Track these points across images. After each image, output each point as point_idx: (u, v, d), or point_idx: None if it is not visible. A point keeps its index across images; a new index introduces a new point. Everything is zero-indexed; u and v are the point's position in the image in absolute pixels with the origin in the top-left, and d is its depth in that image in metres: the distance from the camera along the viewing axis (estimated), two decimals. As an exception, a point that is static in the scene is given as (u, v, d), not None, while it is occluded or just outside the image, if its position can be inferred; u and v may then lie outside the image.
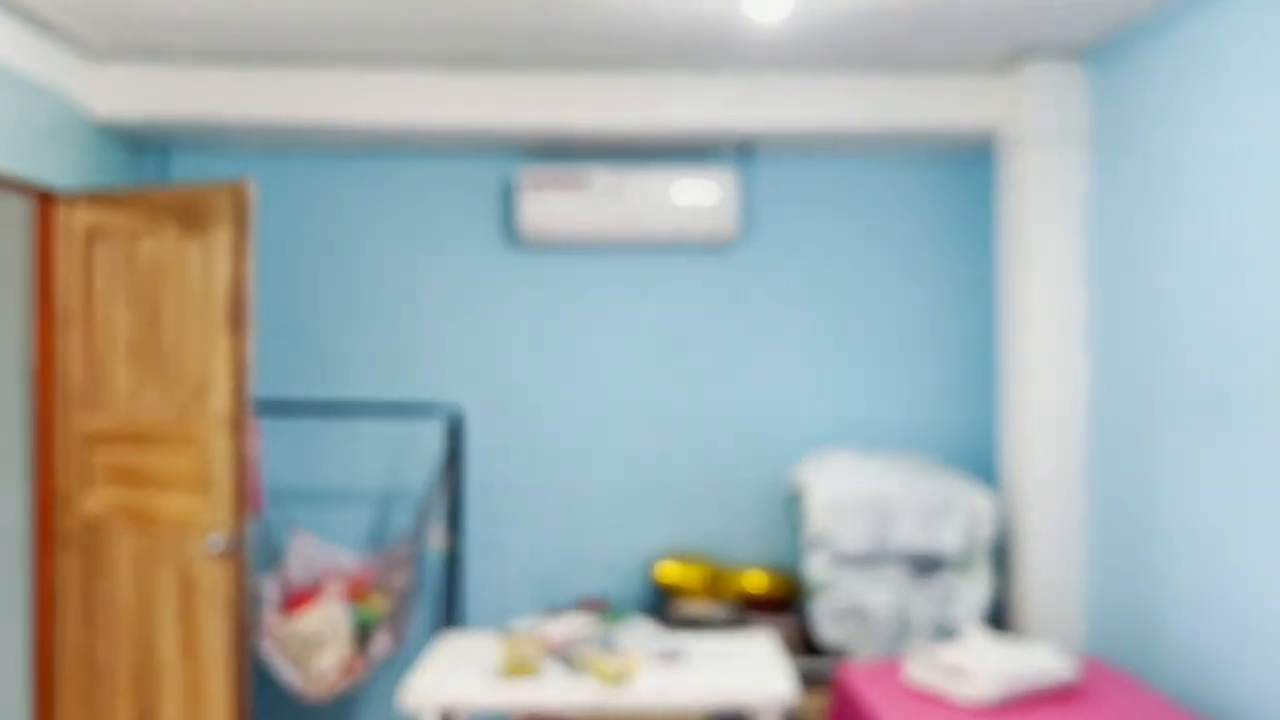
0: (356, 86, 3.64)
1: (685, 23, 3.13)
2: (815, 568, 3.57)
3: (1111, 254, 3.36)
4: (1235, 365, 2.70)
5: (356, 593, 3.67)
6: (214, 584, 3.17)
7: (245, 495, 3.13)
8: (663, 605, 3.85)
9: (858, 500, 3.55)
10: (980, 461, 3.99)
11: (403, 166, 4.07)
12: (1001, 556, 3.69)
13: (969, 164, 4.08)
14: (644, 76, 3.68)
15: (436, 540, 3.69)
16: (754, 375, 4.11)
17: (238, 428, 3.13)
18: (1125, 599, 3.26)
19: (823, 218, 4.11)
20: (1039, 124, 3.51)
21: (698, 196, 3.91)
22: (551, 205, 3.88)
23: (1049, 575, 3.51)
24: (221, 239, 3.12)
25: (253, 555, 3.55)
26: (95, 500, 3.37)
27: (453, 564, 3.78)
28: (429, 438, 4.02)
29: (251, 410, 3.20)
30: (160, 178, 4.00)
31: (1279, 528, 2.53)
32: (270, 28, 3.23)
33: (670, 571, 3.77)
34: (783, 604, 3.79)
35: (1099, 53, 3.37)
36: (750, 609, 3.78)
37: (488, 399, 4.06)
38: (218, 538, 3.12)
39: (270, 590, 3.62)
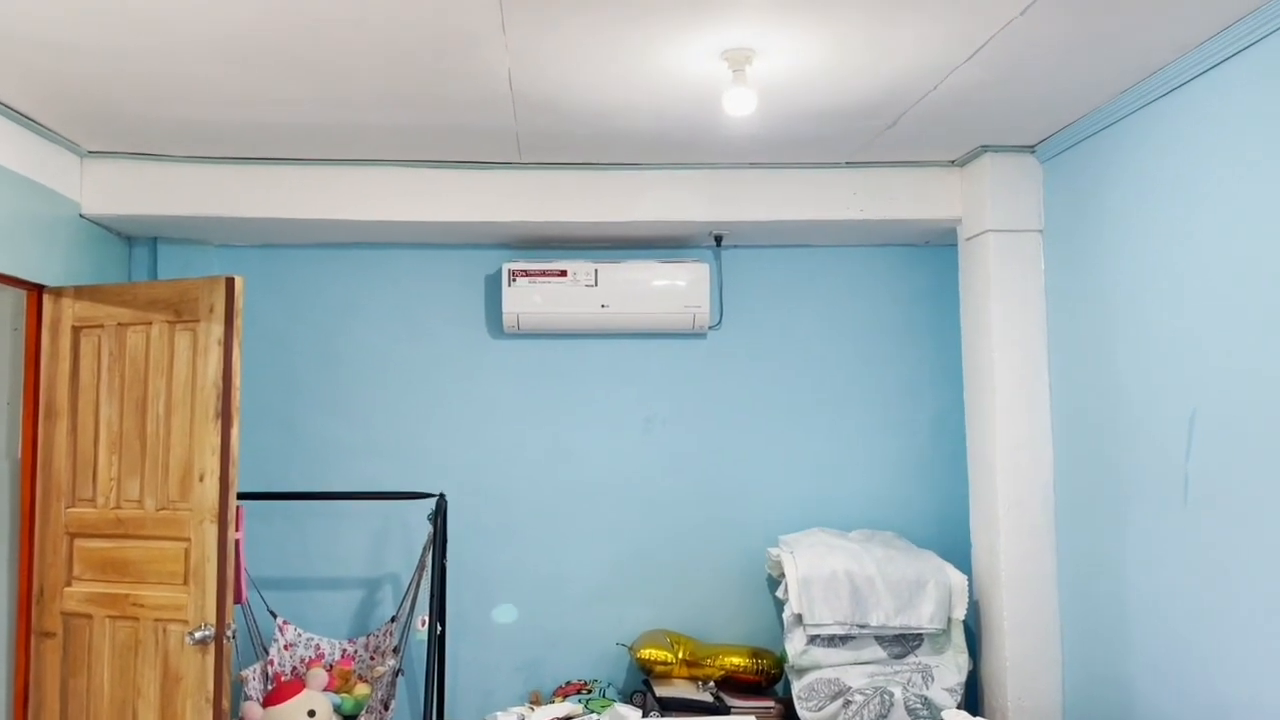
0: (343, 185, 3.76)
1: (663, 124, 3.28)
2: (795, 647, 3.62)
3: (1071, 338, 3.50)
4: (1195, 446, 2.82)
5: (340, 681, 3.67)
6: (196, 676, 3.18)
7: (229, 586, 3.16)
8: (644, 685, 3.87)
9: (835, 579, 3.62)
10: (952, 540, 4.08)
11: (389, 258, 4.19)
12: (975, 636, 3.75)
13: (936, 251, 4.24)
14: (622, 173, 3.83)
15: (421, 625, 3.70)
16: (731, 456, 4.20)
17: (222, 519, 3.17)
18: (1099, 677, 3.33)
19: (795, 304, 4.25)
20: (996, 215, 3.68)
21: (674, 285, 4.04)
22: (533, 295, 4.00)
23: (1022, 654, 3.57)
24: (210, 332, 3.20)
25: (237, 646, 3.55)
26: (77, 592, 3.38)
27: (438, 648, 3.79)
28: (413, 523, 4.06)
29: (236, 501, 3.24)
30: (150, 271, 4.09)
31: (1245, 605, 2.62)
32: (256, 133, 3.36)
33: (650, 652, 3.80)
34: (764, 684, 3.82)
35: (1052, 147, 3.55)
36: (731, 689, 3.80)
37: (471, 483, 4.12)
38: (200, 629, 3.14)
39: (253, 681, 3.61)
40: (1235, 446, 2.66)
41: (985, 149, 3.66)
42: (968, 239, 3.85)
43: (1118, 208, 3.20)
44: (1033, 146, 3.65)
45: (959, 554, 3.94)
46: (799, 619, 3.63)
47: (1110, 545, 3.25)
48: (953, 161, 3.84)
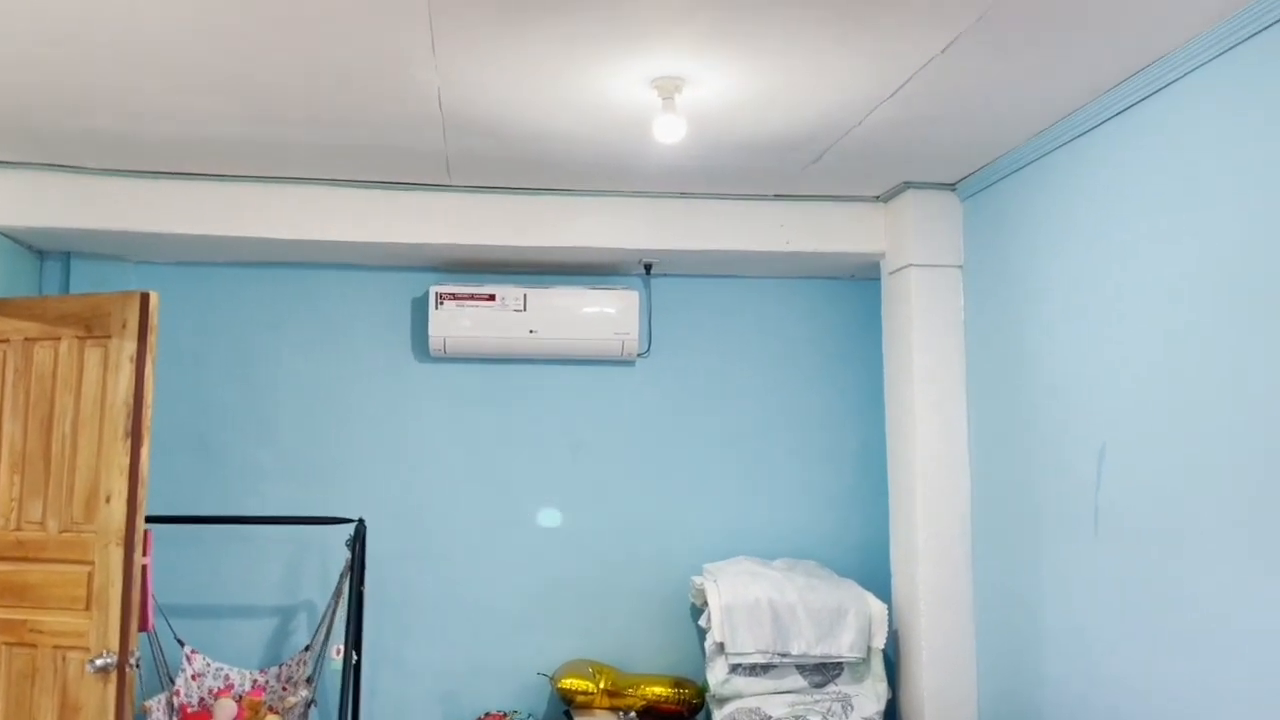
0: (268, 203, 3.70)
1: (595, 149, 3.29)
2: (716, 676, 3.61)
3: (988, 371, 3.58)
4: (1105, 479, 2.90)
5: (249, 712, 3.55)
6: (96, 706, 3.04)
7: (133, 612, 3.05)
8: (565, 716, 3.82)
9: (758, 607, 3.63)
10: (874, 569, 4.12)
11: (314, 279, 4.12)
12: (895, 665, 3.79)
13: (862, 284, 4.32)
14: (553, 199, 3.83)
15: (336, 654, 3.61)
16: (657, 485, 4.20)
17: (129, 542, 3.06)
18: (1013, 705, 3.38)
19: (723, 333, 4.28)
20: (918, 250, 3.76)
21: (604, 313, 4.05)
22: (460, 319, 3.97)
23: (940, 683, 3.61)
24: (122, 348, 3.11)
25: (141, 675, 3.42)
26: (-29, 619, 3.23)
27: (354, 678, 3.70)
28: (331, 549, 3.97)
29: (144, 524, 3.13)
30: (62, 287, 3.96)
31: (1152, 633, 2.69)
32: (178, 147, 3.29)
33: (571, 682, 3.75)
34: (686, 714, 3.80)
35: (972, 185, 3.65)
36: (653, 719, 3.77)
37: (393, 509, 4.05)
38: (102, 657, 3.02)
39: (157, 712, 3.48)
40: (1142, 480, 2.74)
41: (908, 185, 3.75)
42: (890, 273, 3.93)
43: (1034, 245, 3.30)
44: (954, 184, 3.75)
45: (880, 583, 3.98)
46: (721, 648, 3.62)
47: (1024, 575, 3.32)
48: (877, 197, 3.92)
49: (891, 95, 2.83)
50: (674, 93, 2.69)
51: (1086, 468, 2.98)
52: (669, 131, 2.71)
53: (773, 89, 2.78)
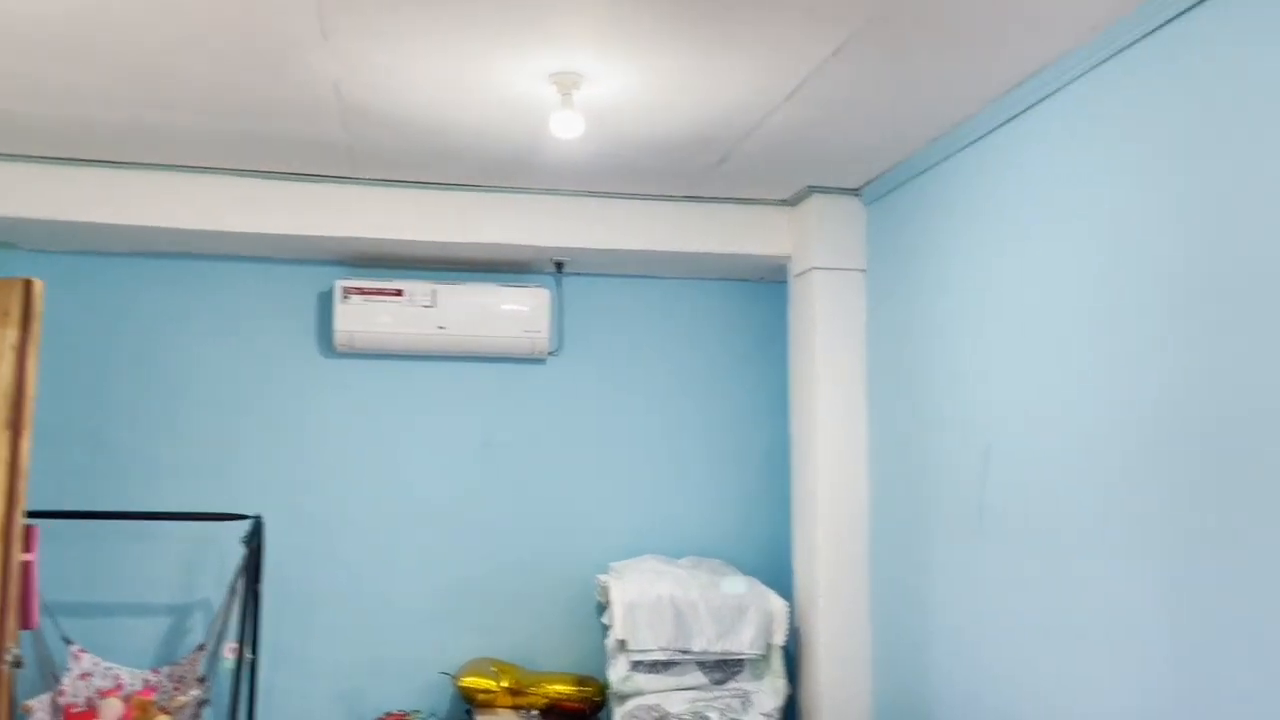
0: (169, 191, 3.61)
1: (497, 144, 3.29)
2: (617, 673, 3.62)
3: (887, 374, 3.66)
4: (988, 477, 2.98)
5: (138, 712, 3.46)
6: (-28, 706, 2.94)
7: (11, 608, 2.95)
8: (466, 716, 3.79)
9: (660, 604, 3.65)
10: (778, 568, 4.16)
11: (215, 270, 4.04)
12: (795, 661, 3.84)
13: (771, 287, 4.37)
14: (462, 194, 3.81)
15: (229, 653, 3.54)
16: (567, 483, 4.20)
17: (8, 537, 2.97)
18: (906, 701, 3.45)
19: (634, 333, 4.30)
20: (822, 254, 3.82)
21: (514, 310, 4.04)
22: (367, 314, 3.93)
23: (836, 680, 3.67)
24: (4, 337, 3.02)
25: (22, 674, 3.31)
26: None
27: (249, 677, 3.63)
28: (229, 546, 3.88)
29: (26, 518, 3.04)
30: (-53, 272, 3.83)
31: (1030, 627, 2.76)
32: (71, 131, 3.21)
33: (473, 680, 3.73)
34: (588, 711, 3.80)
35: (875, 190, 3.73)
36: (556, 717, 3.77)
37: (295, 505, 3.98)
38: (-21, 655, 2.92)
39: (40, 712, 3.38)
40: (1023, 479, 2.82)
41: (813, 190, 3.81)
42: (796, 276, 3.99)
43: (931, 249, 3.37)
44: (858, 189, 3.82)
45: (785, 581, 4.03)
46: (622, 645, 3.63)
47: (916, 573, 3.39)
48: (784, 200, 3.98)
49: (788, 98, 2.88)
50: (572, 89, 2.70)
51: (974, 468, 3.06)
52: (567, 127, 2.73)
53: (671, 89, 2.81)
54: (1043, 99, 2.77)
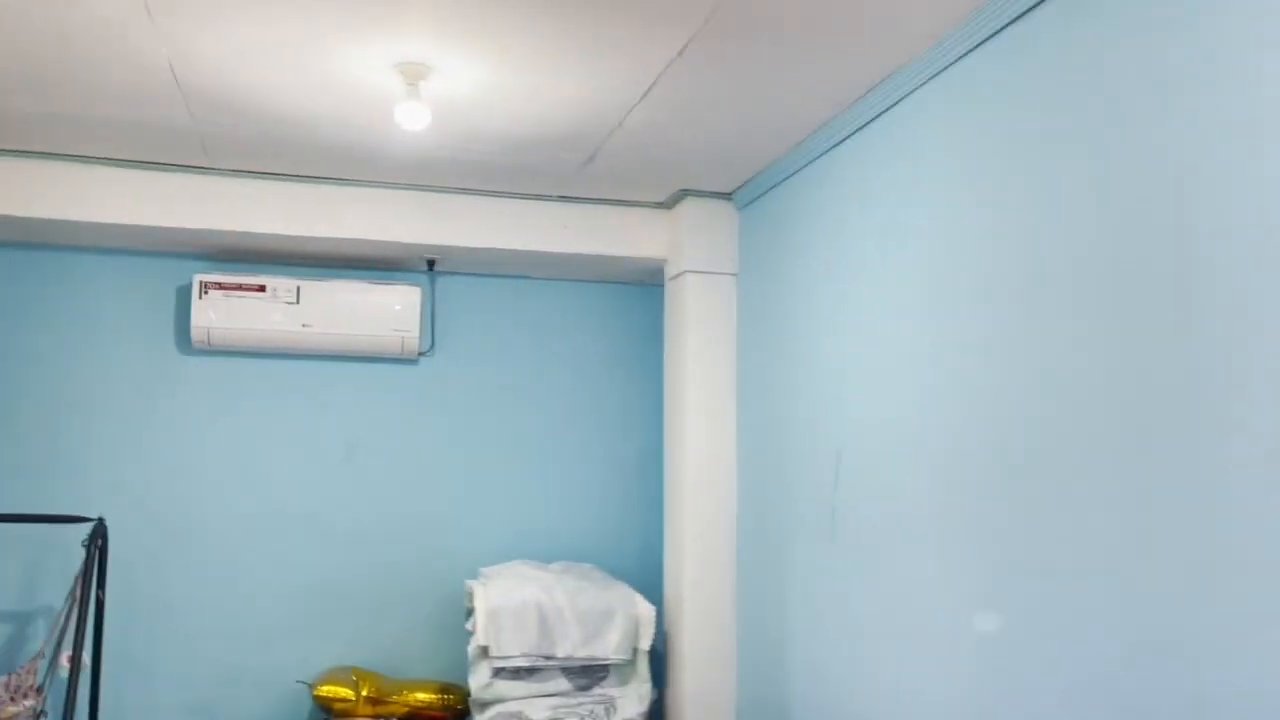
0: (11, 178, 3.44)
1: (347, 135, 3.19)
2: (479, 680, 3.55)
3: (755, 378, 3.66)
4: (840, 481, 2.99)
5: (-37, 725, 3.28)
6: None
7: None
8: (323, 727, 3.68)
9: (525, 609, 3.59)
10: (652, 572, 4.14)
11: (65, 262, 3.86)
12: (662, 666, 3.81)
13: (648, 290, 4.35)
14: (326, 188, 3.71)
15: (65, 662, 3.37)
16: (438, 486, 4.11)
17: None
18: (767, 705, 3.44)
19: (510, 334, 4.24)
20: (694, 257, 3.82)
21: (384, 308, 3.95)
22: (227, 310, 3.80)
23: (702, 685, 3.65)
24: None
25: None
26: None
27: (91, 687, 3.46)
28: (75, 550, 3.71)
29: None
30: None
31: (875, 631, 2.77)
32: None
33: (330, 689, 3.62)
34: (450, 719, 3.73)
35: (747, 194, 3.74)
36: (418, 727, 3.68)
37: (146, 509, 3.83)
38: None
39: None
40: (871, 483, 2.84)
41: (686, 193, 3.81)
42: (670, 279, 3.97)
43: (796, 253, 3.39)
44: (730, 193, 3.83)
45: (658, 586, 4.01)
46: (484, 651, 3.57)
47: (777, 577, 3.39)
48: (660, 203, 3.96)
49: (643, 97, 2.86)
50: (419, 79, 2.64)
51: (828, 471, 3.07)
52: (412, 118, 2.66)
53: (524, 85, 2.77)
54: (891, 105, 2.80)
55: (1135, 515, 1.86)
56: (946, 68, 2.53)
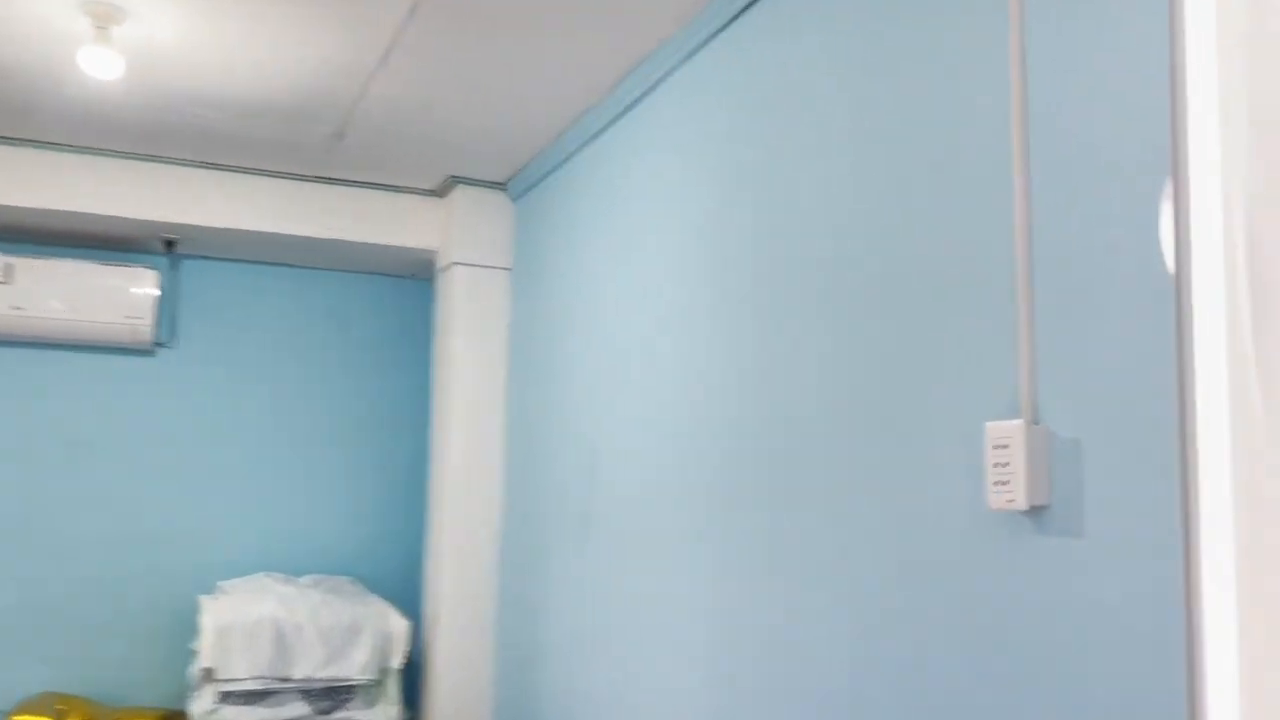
0: None
1: (29, 85, 2.81)
2: (201, 706, 3.19)
3: (523, 379, 3.46)
4: (595, 484, 2.82)
5: None
6: None
7: None
8: (16, 764, 3.23)
9: (260, 627, 3.26)
10: (414, 585, 3.87)
11: None
12: (421, 683, 3.55)
13: (423, 284, 4.10)
14: (44, 154, 3.29)
15: None
16: (175, 492, 3.72)
17: None
18: (522, 716, 3.24)
19: (266, 327, 3.90)
20: (465, 250, 3.59)
21: (114, 292, 3.55)
22: (-80, 286, 3.32)
23: (455, 700, 3.42)
24: None
25: None
26: None
27: None
28: None
29: None
30: None
31: (625, 638, 2.60)
32: None
33: (25, 722, 3.19)
34: (172, 752, 3.34)
35: (520, 183, 3.54)
36: (135, 760, 3.29)
37: None
38: None
39: None
40: (622, 487, 2.68)
41: (458, 181, 3.58)
42: (441, 271, 3.73)
43: (565, 247, 3.21)
44: (503, 183, 3.62)
45: (419, 599, 3.74)
46: (210, 674, 3.21)
47: (535, 586, 3.19)
48: (431, 191, 3.72)
49: (382, 63, 2.62)
50: (110, 23, 2.32)
51: (582, 475, 2.90)
52: (100, 66, 2.34)
53: (232, 37, 2.48)
54: (649, 90, 2.66)
55: (866, 517, 1.75)
56: (697, 50, 2.41)
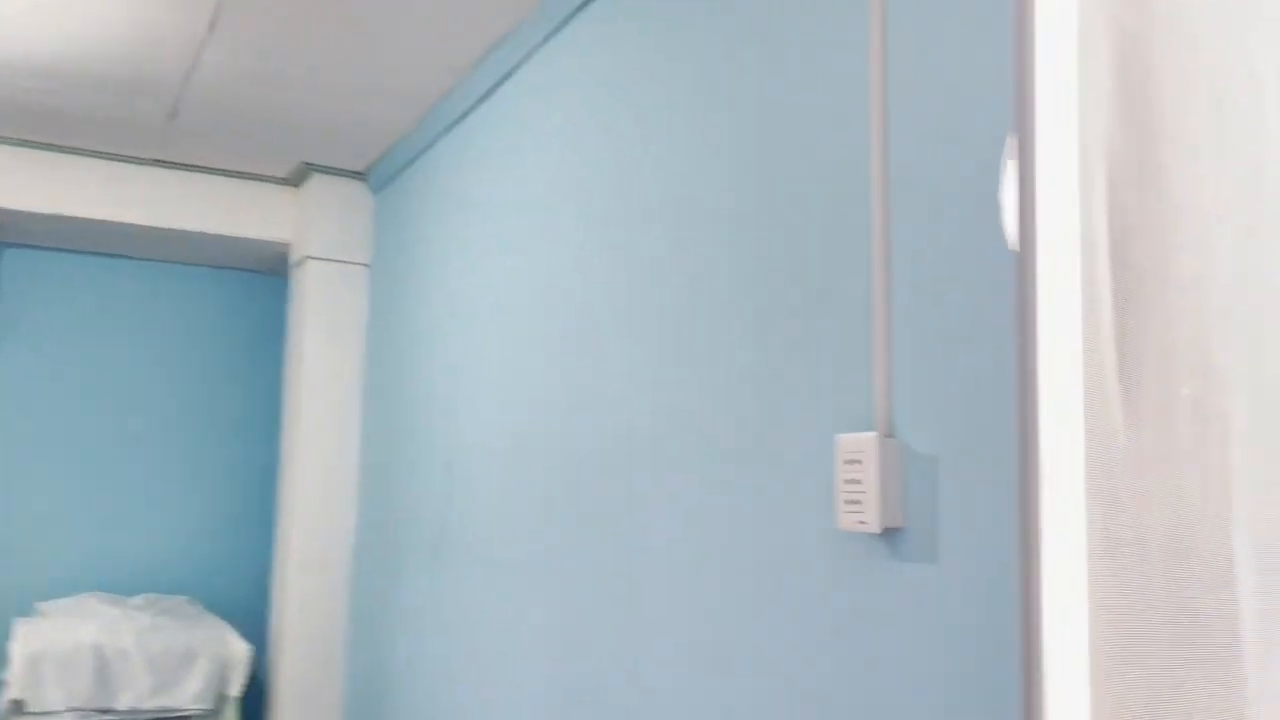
0: None
1: None
2: (7, 744, 2.87)
3: (381, 384, 3.23)
4: (449, 500, 2.61)
5: None
6: None
7: None
8: None
9: (79, 654, 2.95)
10: (259, 605, 3.59)
11: None
12: (264, 712, 3.27)
13: (275, 278, 3.82)
14: None
15: None
16: (-8, 504, 3.37)
17: None
18: (370, 752, 3.00)
19: (99, 324, 3.57)
20: (320, 243, 3.35)
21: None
22: None
23: (299, 730, 3.16)
24: None
25: None
26: None
27: None
28: None
29: None
30: None
31: (479, 661, 2.40)
32: None
33: None
34: (-26, 795, 3.00)
35: (380, 173, 3.31)
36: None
37: None
38: None
39: None
40: (473, 500, 2.48)
41: (313, 169, 3.33)
42: (294, 266, 3.47)
43: (427, 243, 2.99)
44: (363, 172, 3.39)
45: (266, 622, 3.46)
46: (19, 706, 2.89)
47: (390, 604, 2.97)
48: (284, 179, 3.46)
49: (211, 30, 2.37)
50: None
51: (438, 490, 2.69)
52: None
53: (54, 1, 2.21)
54: (511, 71, 2.47)
55: (714, 539, 1.59)
56: (558, 30, 2.23)
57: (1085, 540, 0.66)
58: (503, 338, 2.39)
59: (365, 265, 3.39)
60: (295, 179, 3.43)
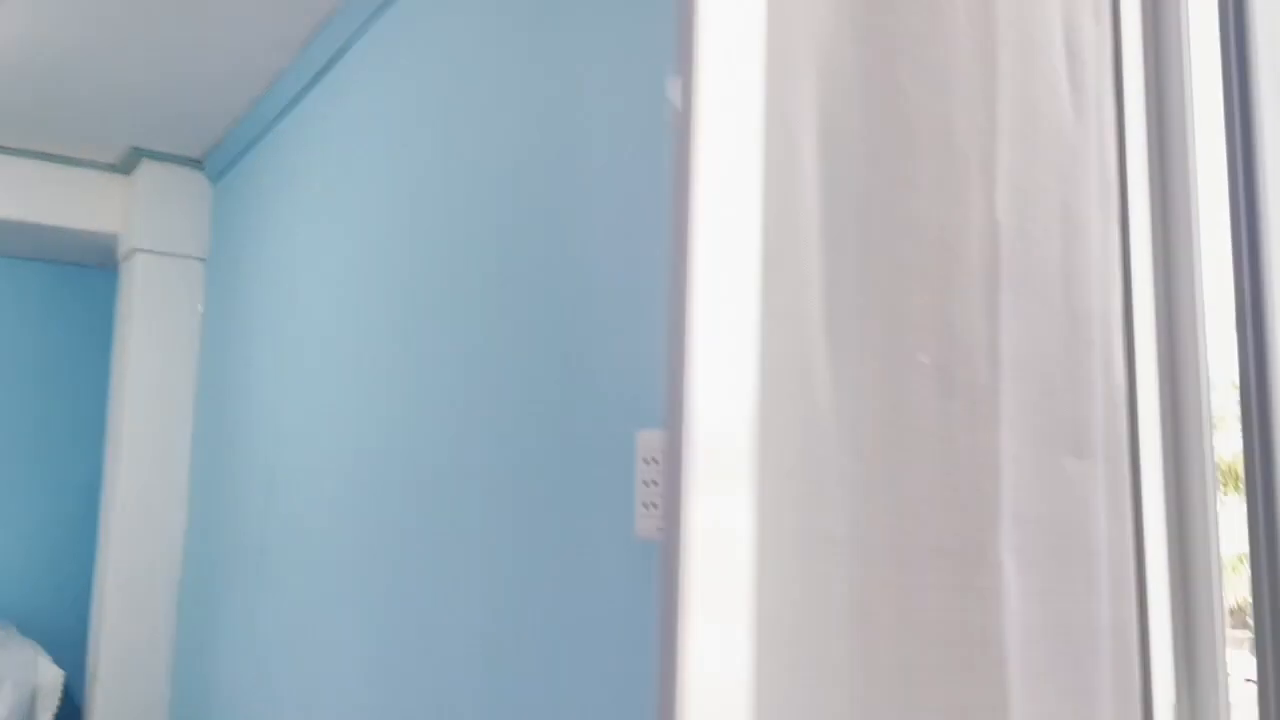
0: None
1: None
2: None
3: (214, 389, 3.00)
4: (272, 516, 2.42)
5: None
6: None
7: None
8: None
9: None
10: (80, 628, 3.30)
11: None
12: (76, 746, 3.01)
13: (106, 272, 3.54)
14: None
15: None
16: None
17: None
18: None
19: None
20: (149, 235, 3.11)
21: None
22: None
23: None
24: None
25: None
26: None
27: None
28: None
29: None
30: None
31: (300, 686, 2.21)
32: None
33: None
34: None
35: (217, 160, 3.09)
36: None
37: None
38: None
39: None
40: (294, 515, 2.30)
41: (143, 154, 3.09)
42: (122, 260, 3.22)
43: (262, 235, 2.79)
44: (200, 159, 3.16)
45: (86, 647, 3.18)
46: None
47: (214, 627, 2.74)
48: (114, 166, 3.20)
49: (1, -6, 2.14)
50: None
51: (261, 505, 2.49)
52: None
53: None
54: (342, 51, 2.30)
55: (517, 544, 1.46)
56: (381, 9, 2.08)
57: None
58: (327, 337, 2.22)
59: (201, 260, 3.16)
60: (124, 166, 3.18)
